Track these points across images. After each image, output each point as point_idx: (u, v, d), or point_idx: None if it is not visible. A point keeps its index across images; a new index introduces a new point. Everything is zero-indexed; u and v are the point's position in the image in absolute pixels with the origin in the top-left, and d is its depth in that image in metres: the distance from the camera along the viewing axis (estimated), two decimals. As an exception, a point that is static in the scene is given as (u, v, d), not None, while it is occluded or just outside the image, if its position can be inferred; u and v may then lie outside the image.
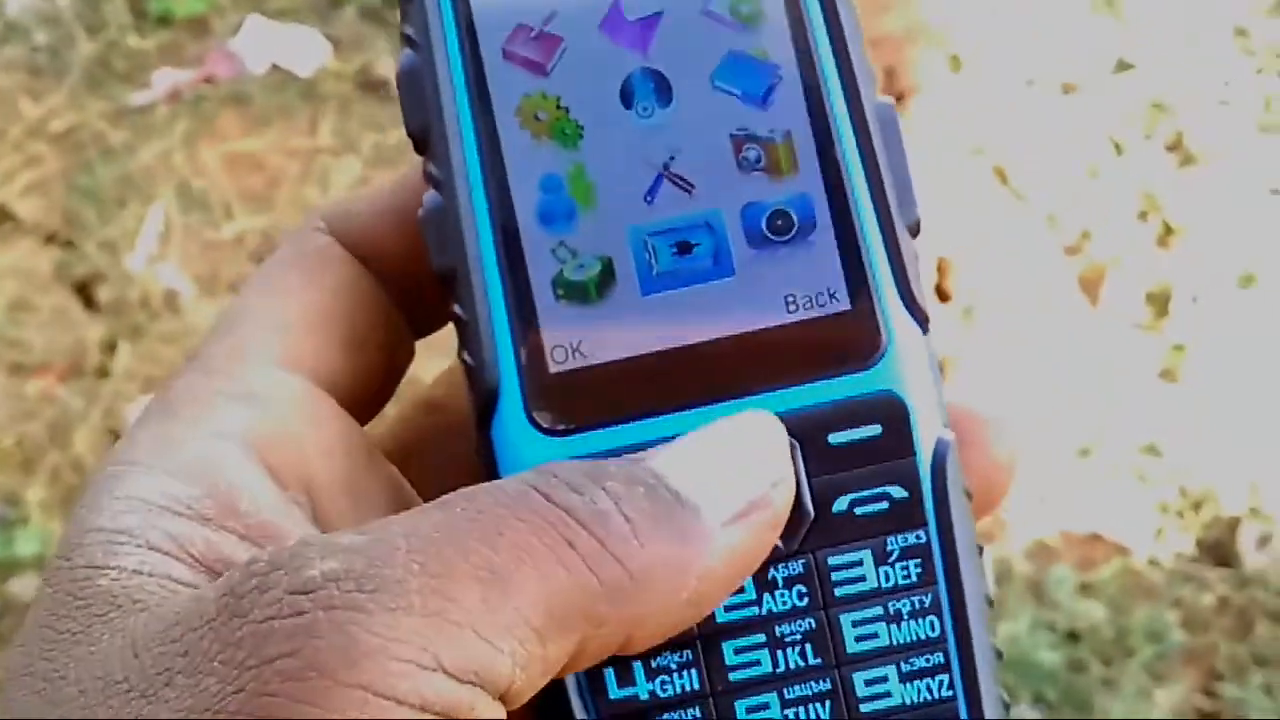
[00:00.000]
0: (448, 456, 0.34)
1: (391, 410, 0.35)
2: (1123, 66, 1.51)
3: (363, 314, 0.33)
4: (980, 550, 0.31)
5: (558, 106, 0.31)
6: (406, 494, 0.33)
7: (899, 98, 1.49)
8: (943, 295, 1.39)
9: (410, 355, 0.34)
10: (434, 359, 0.37)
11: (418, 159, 0.32)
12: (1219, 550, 1.25)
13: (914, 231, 0.31)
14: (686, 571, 0.27)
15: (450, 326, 0.32)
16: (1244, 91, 1.49)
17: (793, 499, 0.29)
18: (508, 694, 0.25)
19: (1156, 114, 1.48)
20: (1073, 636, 1.18)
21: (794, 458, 0.30)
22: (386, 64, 1.49)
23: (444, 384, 0.35)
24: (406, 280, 0.33)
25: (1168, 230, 1.42)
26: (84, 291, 1.38)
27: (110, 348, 1.34)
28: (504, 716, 0.26)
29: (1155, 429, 1.31)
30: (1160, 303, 1.38)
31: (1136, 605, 1.20)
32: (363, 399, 0.33)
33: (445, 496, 0.27)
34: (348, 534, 0.26)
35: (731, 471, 0.28)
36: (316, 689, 0.24)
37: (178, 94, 1.47)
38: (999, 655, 0.31)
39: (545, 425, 0.30)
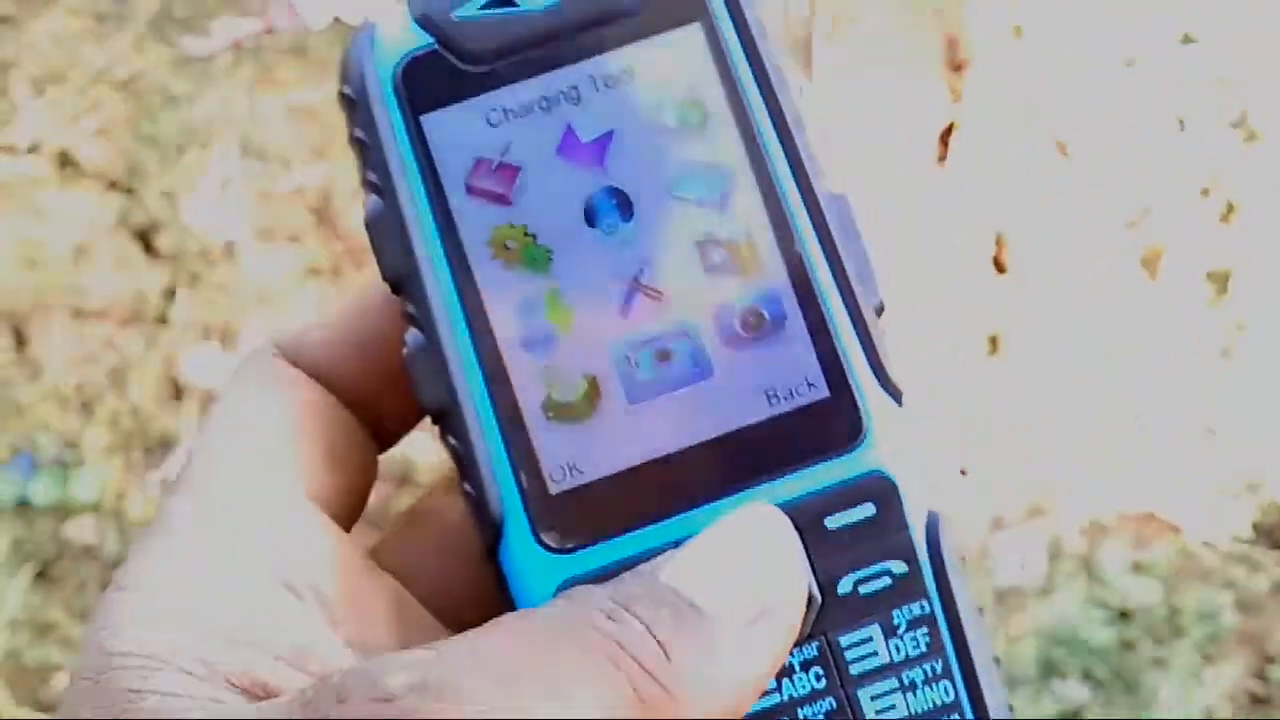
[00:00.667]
0: (444, 565, 0.35)
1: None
2: (1187, 40, 1.50)
3: (336, 431, 0.33)
4: (980, 612, 0.32)
5: (525, 234, 0.32)
6: (408, 602, 0.34)
7: (958, 67, 1.48)
8: (1000, 268, 1.38)
9: (375, 473, 0.35)
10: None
11: (346, 155, 0.32)
12: (1274, 534, 1.25)
13: (879, 312, 0.33)
14: (716, 681, 0.28)
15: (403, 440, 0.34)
16: (1312, 69, 1.47)
17: (807, 592, 0.31)
18: None
19: (1220, 89, 1.47)
20: (1124, 615, 1.18)
21: None
22: (447, 19, 1.49)
23: (433, 495, 0.36)
24: (365, 400, 0.34)
25: (1230, 208, 1.40)
26: (144, 238, 1.38)
27: (169, 295, 1.35)
28: None
29: (1213, 409, 1.30)
30: (1221, 281, 1.37)
31: (1189, 586, 1.20)
32: (343, 512, 0.34)
33: (493, 621, 0.28)
34: (417, 651, 0.27)
35: (743, 572, 0.30)
36: None
37: (239, 44, 1.47)
38: (1011, 710, 0.32)
39: (554, 545, 0.31)
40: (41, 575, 1.22)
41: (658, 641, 0.28)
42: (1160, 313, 1.36)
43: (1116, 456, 1.28)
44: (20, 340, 1.33)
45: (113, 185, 1.41)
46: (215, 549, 0.30)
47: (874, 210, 0.35)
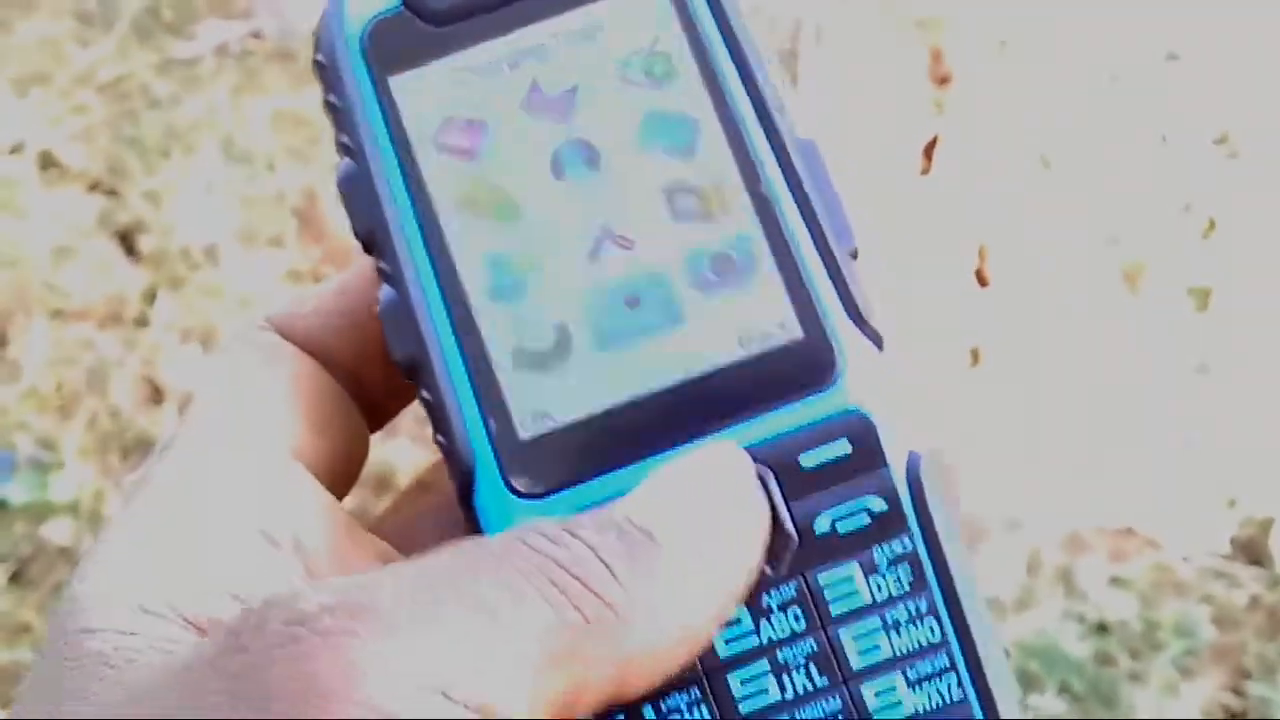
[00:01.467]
0: (444, 532, 0.34)
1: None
2: (1170, 57, 1.50)
3: (324, 400, 0.33)
4: (968, 555, 0.32)
5: (493, 188, 0.32)
6: (392, 559, 0.33)
7: (942, 81, 1.49)
8: (982, 280, 1.38)
9: (366, 447, 0.35)
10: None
11: (362, 254, 0.33)
12: (1252, 549, 1.25)
13: (853, 256, 0.32)
14: (667, 609, 0.27)
15: (399, 418, 0.34)
16: (1294, 88, 1.48)
17: (766, 526, 0.30)
18: None
19: (1203, 106, 1.47)
20: (1102, 629, 1.18)
21: (769, 485, 0.31)
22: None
23: (434, 468, 0.36)
24: (356, 375, 0.34)
25: (1211, 224, 1.41)
26: (126, 240, 1.38)
27: (150, 297, 1.35)
28: None
29: (1192, 424, 1.30)
30: (1201, 296, 1.37)
31: (1167, 600, 1.20)
32: (334, 481, 0.33)
33: (438, 547, 0.28)
34: (339, 579, 0.27)
35: (701, 505, 0.29)
36: (319, 709, 0.24)
37: (225, 48, 1.47)
38: (1006, 654, 0.31)
39: (524, 490, 0.31)
40: (17, 576, 1.21)
41: (604, 563, 0.27)
42: (1141, 327, 1.37)
43: (1095, 470, 1.28)
44: (0, 341, 1.33)
45: (95, 186, 1.41)
46: (194, 500, 0.30)
47: (857, 222, 0.35)
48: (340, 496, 0.34)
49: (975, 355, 1.34)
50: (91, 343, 1.32)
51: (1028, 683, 1.14)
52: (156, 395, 1.31)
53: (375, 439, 0.35)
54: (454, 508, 0.33)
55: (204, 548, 0.29)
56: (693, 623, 0.28)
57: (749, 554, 0.29)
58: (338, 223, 1.39)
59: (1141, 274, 1.39)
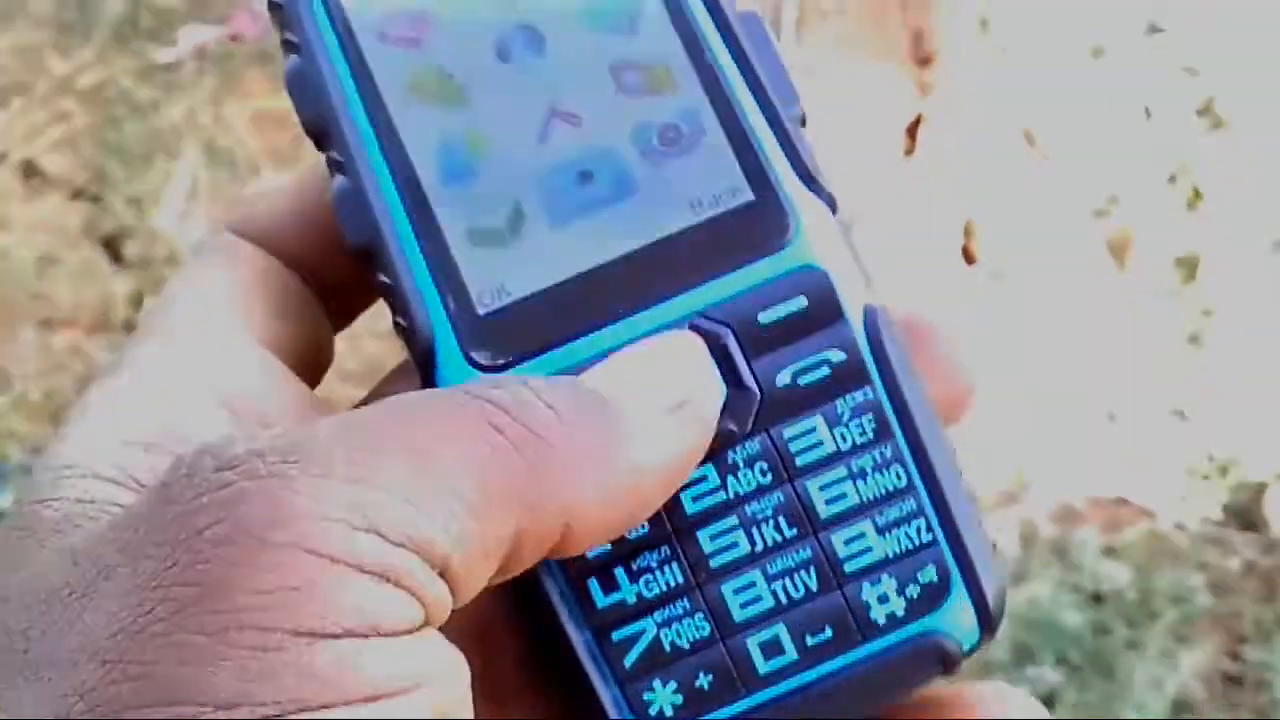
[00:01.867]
0: None
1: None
2: (1153, 30, 1.50)
3: (288, 295, 0.33)
4: (928, 399, 0.32)
5: (440, 74, 0.32)
6: None
7: (925, 60, 1.49)
8: (969, 258, 1.38)
9: (332, 343, 0.35)
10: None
11: (313, 158, 0.33)
12: (1246, 515, 1.25)
13: (800, 123, 0.33)
14: (614, 456, 0.27)
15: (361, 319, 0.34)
16: (1275, 56, 1.48)
17: (719, 396, 0.30)
18: (448, 571, 0.25)
19: (1187, 78, 1.47)
20: (1097, 599, 1.18)
21: (729, 344, 0.31)
22: (413, 22, 1.49)
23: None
24: (316, 275, 0.34)
25: (1197, 195, 1.41)
26: (111, 247, 1.38)
27: (137, 303, 1.35)
28: (448, 596, 0.25)
29: (1182, 393, 1.30)
30: (1189, 267, 1.37)
31: (1162, 569, 1.20)
32: (297, 370, 0.33)
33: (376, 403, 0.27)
34: (276, 430, 0.26)
35: (652, 379, 0.29)
36: (248, 549, 0.24)
37: (204, 51, 1.47)
38: (972, 497, 0.32)
39: (484, 363, 0.31)
40: (12, 585, 1.21)
41: (549, 406, 0.27)
42: (1129, 299, 1.37)
43: (1087, 442, 1.28)
44: (-12, 351, 1.33)
45: (78, 194, 1.41)
46: (159, 378, 0.30)
47: (842, 203, 0.35)
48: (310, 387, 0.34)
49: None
50: (80, 350, 1.32)
51: (1024, 655, 1.14)
52: (146, 400, 1.31)
53: (374, 335, 0.35)
54: None
55: (166, 419, 0.29)
56: (641, 479, 0.28)
57: (710, 414, 0.29)
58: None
59: (1129, 246, 1.39)
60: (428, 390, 0.28)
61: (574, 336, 0.31)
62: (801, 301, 0.31)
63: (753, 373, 0.31)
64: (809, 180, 0.32)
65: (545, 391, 0.27)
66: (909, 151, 1.43)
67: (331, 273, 0.34)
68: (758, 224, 0.32)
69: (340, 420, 0.26)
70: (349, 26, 0.32)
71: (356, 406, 0.35)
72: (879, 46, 1.49)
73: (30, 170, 1.41)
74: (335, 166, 0.32)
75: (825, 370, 0.31)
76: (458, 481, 0.25)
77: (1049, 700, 1.13)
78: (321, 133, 0.32)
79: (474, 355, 0.31)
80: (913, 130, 1.44)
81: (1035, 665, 1.13)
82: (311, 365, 0.34)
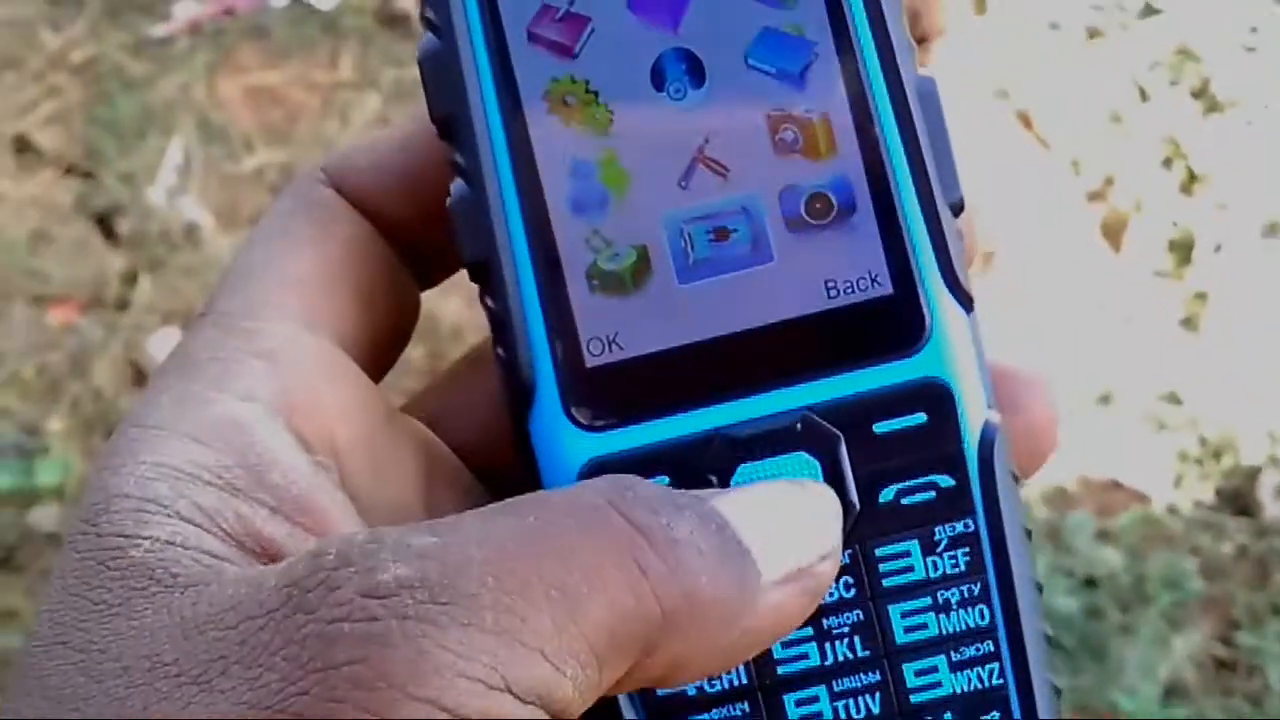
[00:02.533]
0: (490, 410, 0.33)
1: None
2: (1149, 11, 1.50)
3: (372, 269, 0.32)
4: (1029, 534, 0.31)
5: (586, 90, 0.30)
6: (434, 452, 0.33)
7: (922, 40, 1.48)
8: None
9: (417, 311, 0.34)
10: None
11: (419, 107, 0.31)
12: (1238, 499, 1.25)
13: (956, 210, 0.31)
14: (735, 619, 0.27)
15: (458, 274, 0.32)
16: (1271, 38, 1.47)
17: (836, 573, 0.29)
18: (565, 715, 0.25)
19: (1182, 60, 1.47)
20: (1090, 583, 1.18)
21: (838, 450, 0.30)
22: (407, -2, 1.48)
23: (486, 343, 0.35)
24: (410, 234, 0.33)
25: (1192, 177, 1.41)
26: (104, 223, 1.37)
27: (130, 279, 1.34)
28: None
29: (1176, 377, 1.30)
30: (1183, 250, 1.37)
31: (1155, 553, 1.20)
32: (375, 356, 0.32)
33: (514, 501, 0.26)
34: (420, 533, 0.25)
35: (789, 533, 0.28)
36: (385, 699, 0.23)
37: (198, 26, 1.46)
38: (1049, 641, 0.31)
39: (584, 421, 0.30)
40: (4, 563, 1.21)
41: (699, 551, 0.26)
42: (1123, 282, 1.37)
43: (1081, 425, 1.29)
44: (-20, 327, 1.32)
45: (71, 170, 1.40)
46: (231, 390, 0.29)
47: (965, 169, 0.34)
48: (387, 368, 0.33)
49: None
50: (72, 326, 1.32)
51: (1018, 639, 1.15)
52: (139, 378, 1.30)
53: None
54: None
55: (239, 450, 0.28)
56: (747, 642, 0.27)
57: (815, 597, 0.28)
58: (317, 200, 1.38)
59: (1123, 229, 1.39)
60: (575, 500, 0.26)
61: (681, 408, 0.30)
62: (921, 418, 0.30)
63: (857, 483, 0.30)
64: (952, 281, 0.30)
65: (699, 533, 0.26)
66: (905, 132, 1.43)
67: (428, 238, 0.32)
68: (892, 322, 0.30)
69: (489, 534, 0.25)
70: (498, 16, 0.30)
71: (431, 390, 0.34)
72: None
73: (22, 145, 1.41)
74: (458, 169, 0.30)
75: (931, 494, 0.30)
76: (598, 636, 0.25)
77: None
78: (449, 129, 0.30)
79: (574, 411, 0.30)
80: (908, 111, 1.44)
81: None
82: (391, 347, 0.33)
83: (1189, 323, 1.34)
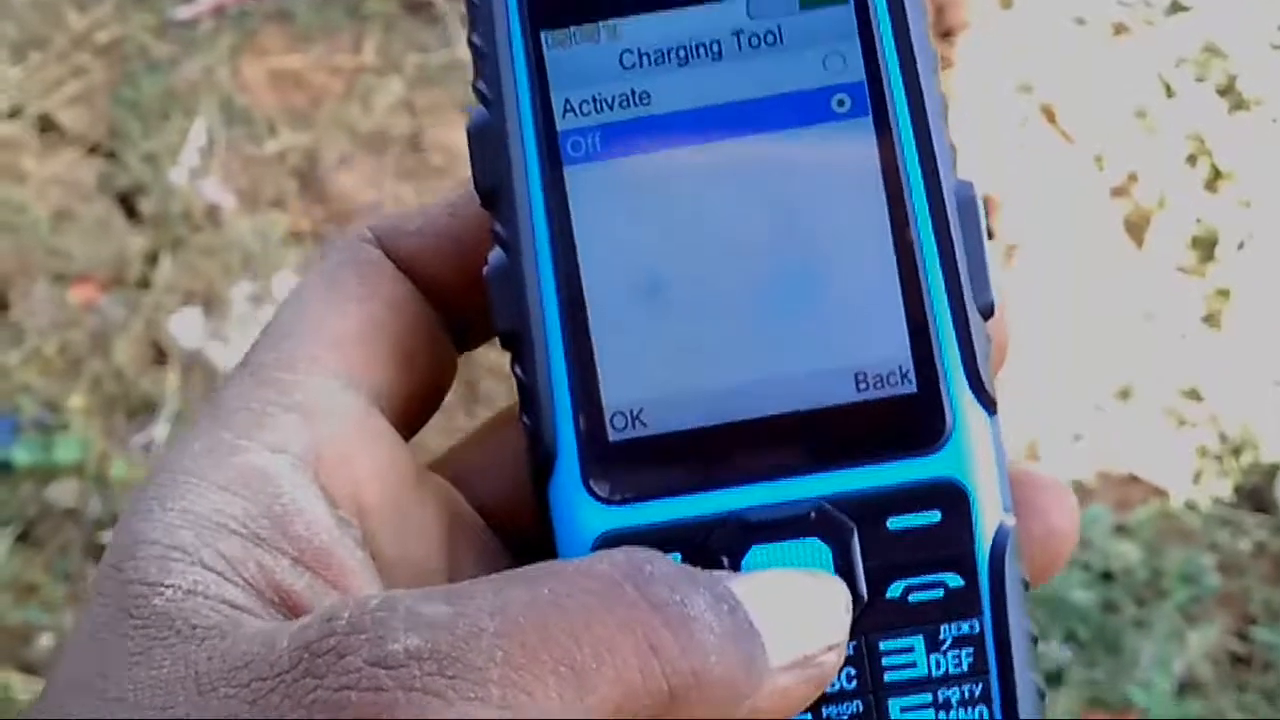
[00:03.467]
0: (516, 472, 0.34)
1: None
2: (1176, 8, 1.49)
3: (413, 331, 0.32)
4: (1035, 640, 0.31)
5: (631, 171, 0.31)
6: (458, 512, 0.33)
7: (947, 34, 1.48)
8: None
9: (453, 373, 0.34)
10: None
11: (461, 158, 0.31)
12: (1257, 496, 1.25)
13: (986, 314, 0.31)
14: (741, 700, 0.27)
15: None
16: (1299, 36, 1.47)
17: (841, 664, 0.29)
18: None
19: (1208, 57, 1.46)
20: (1107, 576, 1.18)
21: (850, 541, 0.30)
22: (432, -16, 1.48)
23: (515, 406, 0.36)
24: (452, 298, 0.33)
25: (1216, 174, 1.40)
26: (126, 203, 1.38)
27: (152, 259, 1.34)
28: None
29: (1197, 373, 1.30)
30: (1206, 247, 1.37)
31: (1172, 548, 1.20)
32: (409, 416, 0.33)
33: (530, 569, 0.27)
34: (434, 600, 0.26)
35: (799, 620, 0.28)
36: None
37: (222, 8, 1.47)
38: None
39: (602, 494, 0.30)
40: (23, 538, 1.22)
41: (711, 630, 0.26)
42: (1146, 278, 1.36)
43: (1100, 419, 1.28)
44: (2, 304, 1.33)
45: (94, 150, 1.40)
46: (261, 441, 0.29)
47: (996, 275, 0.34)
48: (419, 425, 0.34)
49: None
50: (94, 305, 1.32)
51: (1034, 633, 1.14)
52: (160, 357, 1.31)
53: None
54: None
55: (265, 501, 0.28)
56: (759, 715, 0.28)
57: (818, 686, 0.29)
58: (339, 183, 1.38)
59: (1146, 225, 1.38)
60: (589, 572, 0.27)
61: (700, 489, 0.30)
62: (935, 516, 0.30)
63: (866, 575, 0.30)
64: (976, 384, 0.31)
65: (712, 612, 0.27)
66: (928, 125, 1.43)
67: (470, 304, 0.33)
68: (913, 420, 0.30)
69: (502, 605, 0.25)
70: (549, 94, 0.31)
71: (463, 446, 0.34)
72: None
73: (47, 124, 1.41)
74: (498, 239, 0.31)
75: (939, 592, 0.30)
76: (604, 712, 0.25)
77: (1057, 677, 1.13)
78: (493, 199, 0.31)
79: (593, 484, 0.30)
80: (932, 103, 1.44)
81: (1044, 642, 1.13)
82: (425, 407, 0.33)
83: (1211, 319, 1.34)
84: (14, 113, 1.41)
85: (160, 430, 1.26)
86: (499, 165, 0.31)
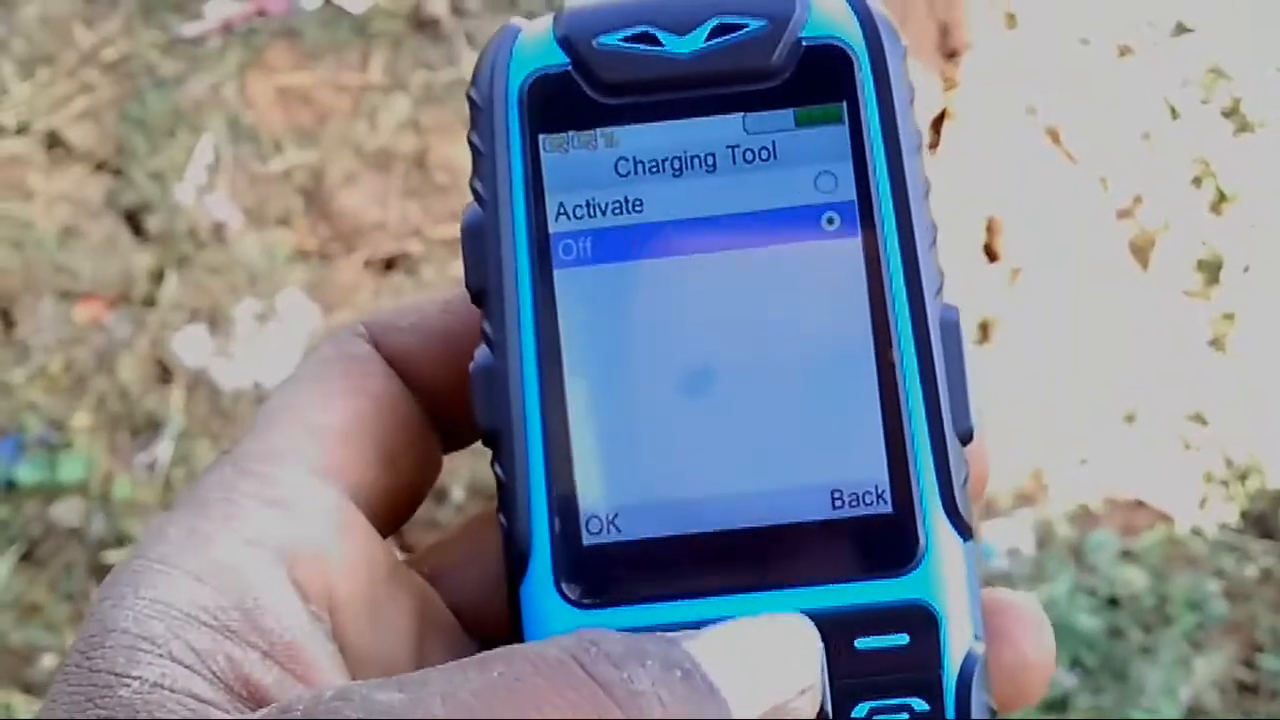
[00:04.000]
0: (488, 574, 0.34)
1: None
2: (1181, 30, 1.50)
3: (398, 429, 0.33)
4: None
5: (619, 285, 0.31)
6: (434, 611, 0.33)
7: (952, 54, 1.48)
8: (991, 255, 1.38)
9: (438, 470, 0.34)
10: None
11: (465, 174, 0.32)
12: (1263, 522, 1.25)
13: (965, 439, 0.31)
14: None
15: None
16: (1305, 59, 1.47)
17: (817, 708, 0.29)
18: None
19: (1214, 79, 1.46)
20: (1113, 602, 1.18)
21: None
22: (438, 2, 1.48)
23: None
24: (442, 399, 0.33)
25: (1221, 197, 1.40)
26: (132, 220, 1.38)
27: (157, 276, 1.34)
28: None
29: (1202, 397, 1.30)
30: (1211, 270, 1.37)
31: (1178, 573, 1.20)
32: (390, 513, 0.33)
33: (483, 655, 0.27)
34: (387, 688, 0.26)
35: (764, 670, 0.28)
36: None
37: (229, 26, 1.47)
38: None
39: (573, 597, 0.30)
40: (27, 557, 1.21)
41: (660, 703, 0.26)
42: (1151, 301, 1.36)
43: (1106, 444, 1.28)
44: (7, 321, 1.33)
45: (101, 166, 1.40)
46: (237, 533, 0.29)
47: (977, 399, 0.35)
48: (401, 522, 0.34)
49: (985, 330, 1.33)
50: (100, 323, 1.32)
51: (1038, 657, 1.14)
52: (165, 375, 1.31)
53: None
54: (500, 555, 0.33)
55: (238, 594, 0.29)
56: None
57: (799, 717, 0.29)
58: (344, 201, 1.38)
59: (1151, 247, 1.38)
60: (541, 654, 0.27)
61: (671, 598, 0.30)
62: (904, 639, 0.30)
63: (833, 694, 0.30)
64: (951, 509, 0.30)
65: (660, 684, 0.27)
66: (933, 146, 1.43)
67: (458, 403, 0.33)
68: (888, 541, 0.30)
69: (453, 690, 0.26)
70: (544, 200, 0.31)
71: (439, 546, 0.35)
72: (905, 39, 1.48)
73: (53, 141, 1.41)
74: (485, 338, 0.31)
75: (904, 716, 0.30)
76: None
77: (1062, 703, 1.13)
78: (482, 299, 0.31)
79: (565, 588, 0.30)
80: (937, 125, 1.44)
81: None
82: (408, 504, 0.33)
83: (1216, 343, 1.34)
84: (21, 129, 1.42)
85: (164, 448, 1.26)
86: (490, 264, 0.31)
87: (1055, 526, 1.22)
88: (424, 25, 1.48)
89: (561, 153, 0.31)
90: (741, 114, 0.31)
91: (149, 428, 1.28)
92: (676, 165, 0.31)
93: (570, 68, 0.31)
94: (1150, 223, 1.39)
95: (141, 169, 1.39)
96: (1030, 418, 1.28)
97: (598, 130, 0.31)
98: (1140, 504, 1.25)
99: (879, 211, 0.31)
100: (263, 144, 1.41)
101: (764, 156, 0.31)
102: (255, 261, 1.34)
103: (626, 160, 0.31)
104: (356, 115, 1.42)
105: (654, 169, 0.31)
